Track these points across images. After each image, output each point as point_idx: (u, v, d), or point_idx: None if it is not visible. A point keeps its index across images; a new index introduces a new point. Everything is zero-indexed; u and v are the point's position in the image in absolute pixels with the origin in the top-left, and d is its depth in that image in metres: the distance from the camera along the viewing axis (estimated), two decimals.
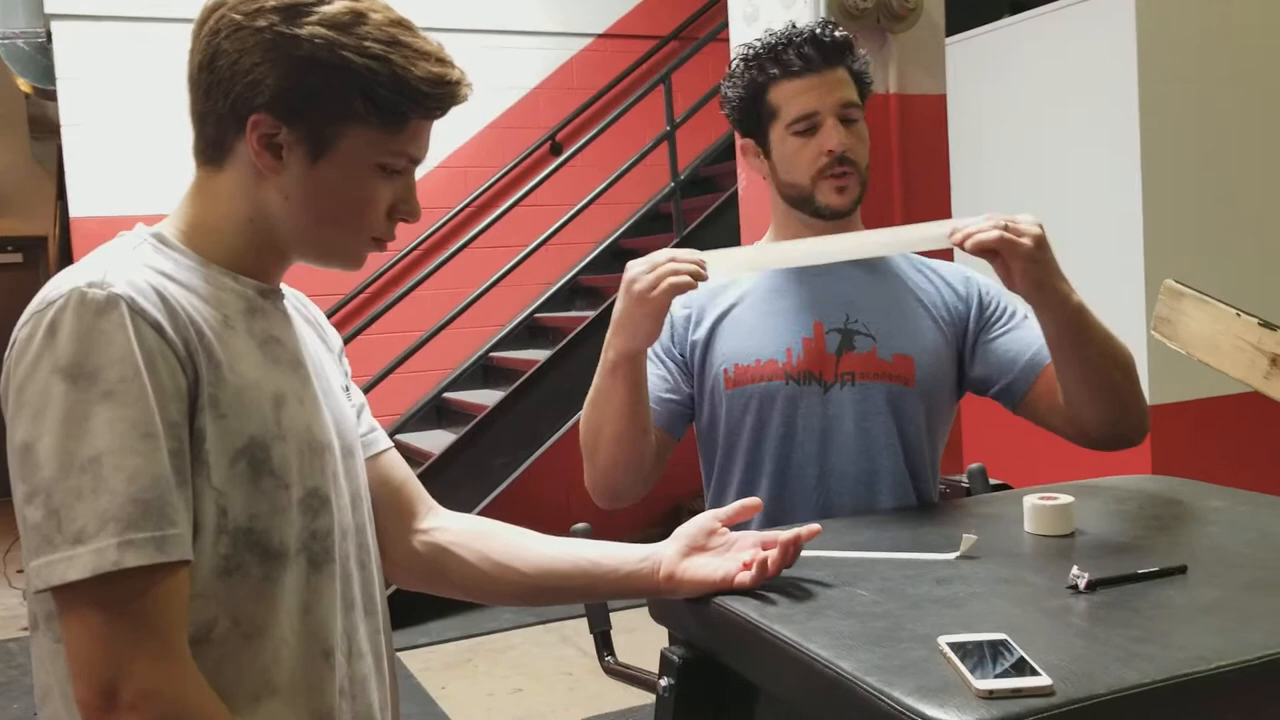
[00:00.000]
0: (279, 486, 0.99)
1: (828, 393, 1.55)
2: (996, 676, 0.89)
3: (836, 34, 1.56)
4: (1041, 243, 1.37)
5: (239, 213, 1.04)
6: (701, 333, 1.63)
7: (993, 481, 1.95)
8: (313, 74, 0.98)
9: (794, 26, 1.57)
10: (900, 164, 2.70)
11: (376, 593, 1.14)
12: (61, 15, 4.93)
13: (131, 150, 4.85)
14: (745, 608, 1.13)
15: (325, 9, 0.98)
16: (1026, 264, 1.35)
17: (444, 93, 1.02)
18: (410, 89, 1.00)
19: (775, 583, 1.18)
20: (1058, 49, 3.86)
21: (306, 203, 1.03)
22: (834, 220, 1.57)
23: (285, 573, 1.00)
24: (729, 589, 1.18)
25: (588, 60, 5.93)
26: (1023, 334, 1.58)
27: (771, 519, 1.56)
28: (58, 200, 6.72)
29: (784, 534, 1.19)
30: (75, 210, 4.96)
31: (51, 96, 5.10)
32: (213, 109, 1.01)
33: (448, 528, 1.25)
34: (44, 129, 6.29)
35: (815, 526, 1.22)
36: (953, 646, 0.95)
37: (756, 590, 1.17)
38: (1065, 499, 1.33)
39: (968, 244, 1.36)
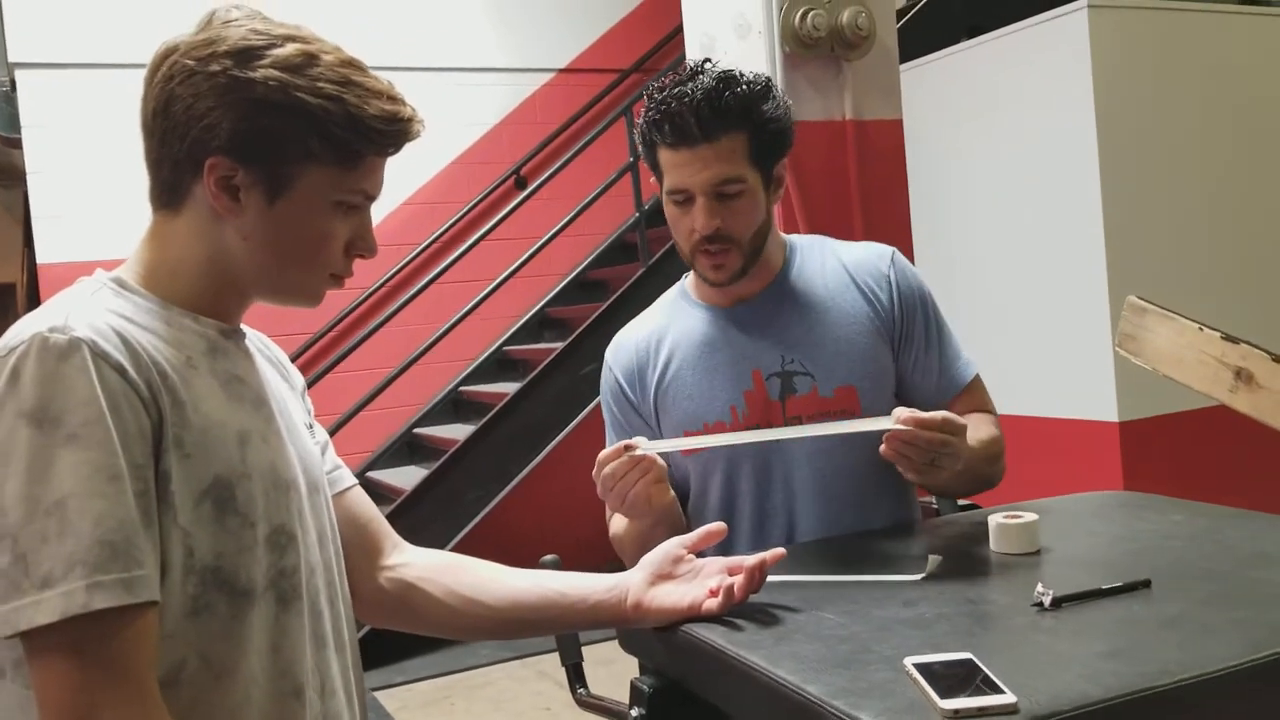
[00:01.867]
0: (245, 525, 0.99)
1: (779, 442, 1.54)
2: (961, 696, 0.90)
3: (726, 98, 1.45)
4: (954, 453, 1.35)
5: (197, 254, 1.04)
6: (650, 400, 1.63)
7: (961, 502, 1.96)
8: (268, 116, 0.99)
9: (684, 89, 1.46)
10: (859, 189, 2.73)
11: (346, 629, 1.13)
12: (26, 64, 4.91)
13: (97, 196, 4.82)
14: (713, 635, 1.13)
15: (277, 52, 1.00)
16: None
17: (397, 129, 1.04)
18: (364, 127, 1.01)
19: (742, 609, 1.18)
20: (1014, 71, 3.92)
21: (265, 242, 1.03)
22: (719, 287, 1.57)
23: (253, 611, 0.99)
24: (697, 616, 1.18)
25: (549, 95, 5.96)
26: (935, 351, 1.61)
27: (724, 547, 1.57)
28: (25, 247, 6.67)
29: (749, 559, 1.19)
30: (43, 257, 4.93)
31: (17, 144, 5.07)
32: (168, 154, 1.02)
33: (414, 563, 1.25)
34: (10, 177, 6.25)
35: (780, 551, 1.22)
36: (918, 667, 0.96)
37: (724, 617, 1.17)
38: (1029, 517, 1.34)
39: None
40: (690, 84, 1.47)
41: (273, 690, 1.01)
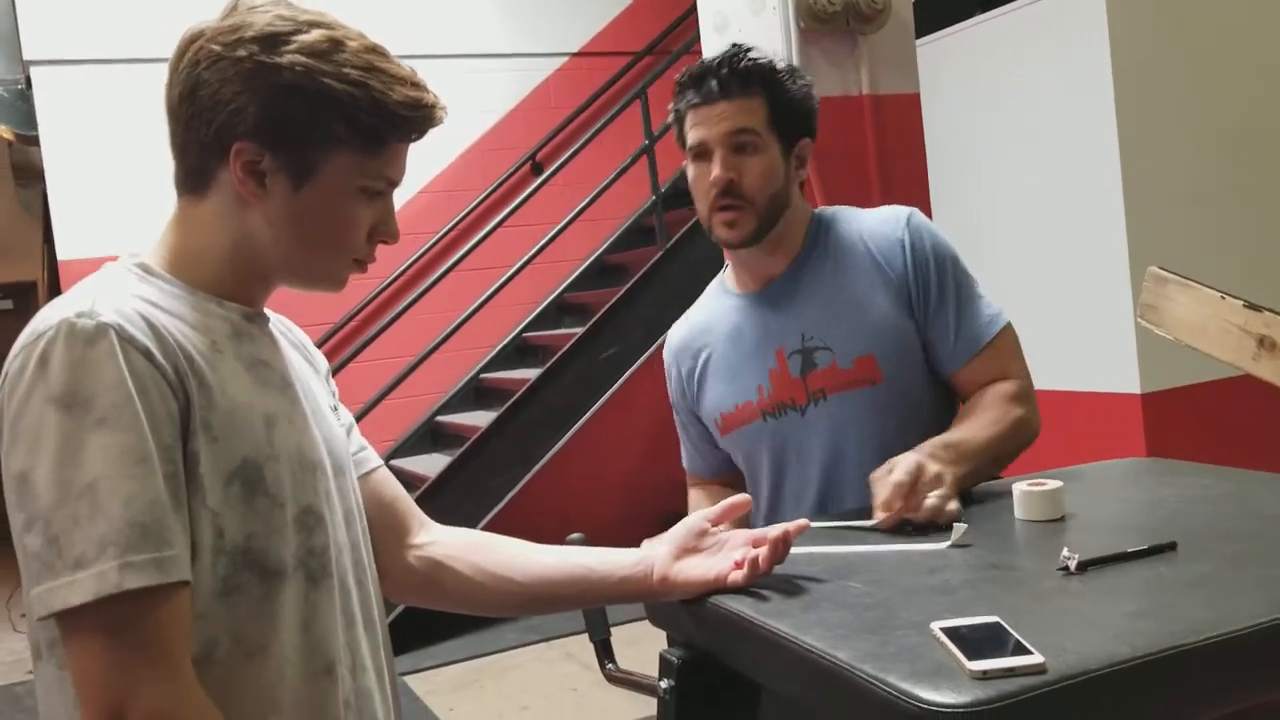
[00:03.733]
0: (273, 506, 1.00)
1: (805, 416, 1.59)
2: (989, 657, 0.90)
3: (745, 63, 1.56)
4: (946, 469, 1.37)
5: (222, 240, 1.05)
6: (692, 387, 1.71)
7: None
8: (294, 101, 1.00)
9: (708, 59, 1.59)
10: (877, 164, 2.73)
11: (374, 608, 1.15)
12: (40, 61, 4.95)
13: (116, 191, 4.85)
14: (740, 605, 1.13)
15: (303, 38, 1.00)
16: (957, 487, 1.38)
17: (421, 115, 1.05)
18: (389, 113, 1.02)
19: (768, 579, 1.19)
20: (1032, 43, 3.89)
21: (291, 228, 1.04)
22: (735, 250, 1.61)
23: (284, 590, 1.01)
24: (723, 588, 1.19)
25: (564, 79, 5.96)
26: (954, 309, 1.59)
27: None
28: (45, 245, 6.72)
29: (773, 530, 1.20)
30: (63, 253, 4.97)
31: (34, 142, 5.11)
32: (194, 138, 1.02)
33: (441, 541, 1.26)
34: (28, 175, 6.30)
35: (803, 522, 1.23)
36: (945, 631, 0.96)
37: (750, 588, 1.17)
38: (1054, 484, 1.34)
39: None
40: (719, 56, 1.57)
41: (305, 668, 1.02)
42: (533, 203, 5.42)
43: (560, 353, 5.04)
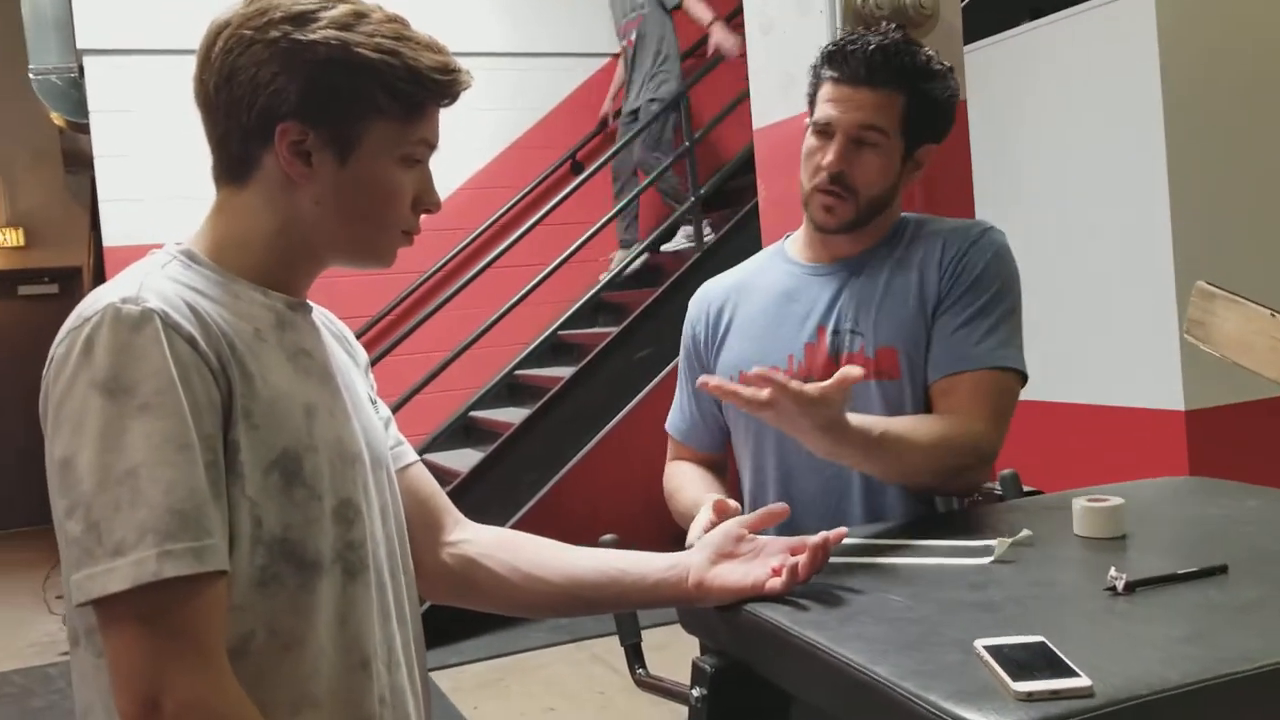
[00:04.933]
0: (312, 497, 1.00)
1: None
2: (1035, 678, 0.88)
3: (902, 56, 1.50)
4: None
5: (267, 226, 1.05)
6: (714, 342, 1.66)
7: (1025, 489, 1.92)
8: (334, 75, 1.00)
9: (865, 36, 1.53)
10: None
11: (409, 604, 1.14)
12: (93, 50, 5.01)
13: (162, 180, 4.90)
14: (777, 615, 1.12)
15: (330, 13, 1.01)
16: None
17: (452, 79, 1.06)
18: (424, 78, 1.03)
19: (806, 589, 1.17)
20: (1080, 53, 3.84)
21: (338, 204, 1.05)
22: (826, 235, 1.58)
23: (321, 583, 1.00)
24: (759, 595, 1.17)
25: (606, 79, 5.95)
26: (962, 321, 1.52)
27: (781, 526, 1.56)
28: (91, 231, 6.81)
29: (812, 539, 1.18)
30: (109, 240, 5.03)
31: (84, 130, 5.18)
32: (235, 125, 1.02)
33: (475, 540, 1.26)
34: (77, 162, 6.38)
35: (843, 530, 1.21)
36: (989, 649, 0.94)
37: (787, 597, 1.16)
38: (1116, 501, 1.31)
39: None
40: (874, 34, 1.52)
41: (341, 662, 1.02)
42: (572, 201, 5.42)
43: (595, 351, 5.04)
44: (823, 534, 1.18)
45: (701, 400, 1.70)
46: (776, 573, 1.17)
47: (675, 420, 1.75)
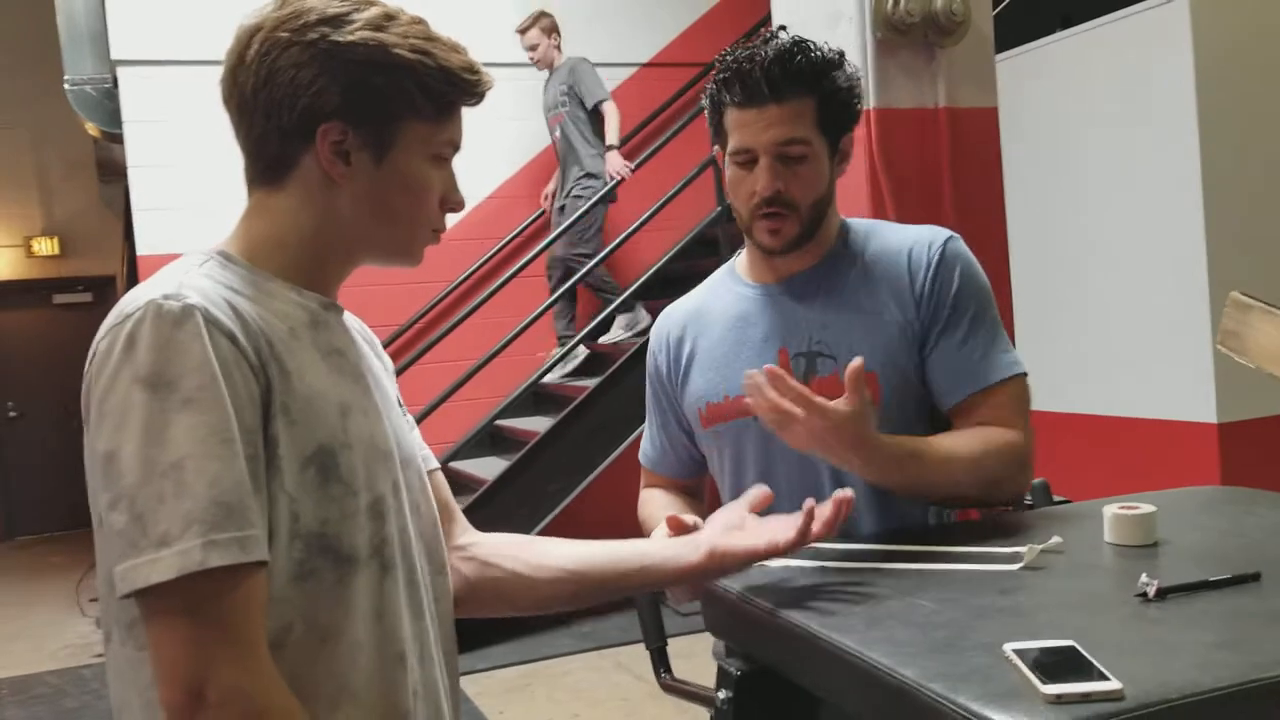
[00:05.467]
0: (348, 493, 1.01)
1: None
2: (1065, 681, 0.87)
3: (798, 61, 1.45)
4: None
5: (303, 226, 1.06)
6: (677, 374, 1.64)
7: (1056, 498, 1.91)
8: (373, 75, 1.02)
9: (756, 51, 1.47)
10: (951, 178, 2.68)
11: (441, 601, 1.15)
12: (127, 61, 5.07)
13: (195, 189, 4.95)
14: (804, 618, 1.11)
15: (363, 14, 1.03)
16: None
17: (478, 79, 1.08)
18: (455, 77, 1.06)
19: (833, 594, 1.17)
20: (1112, 61, 3.82)
21: (374, 203, 1.06)
22: (774, 256, 1.54)
23: (358, 577, 1.01)
24: (777, 552, 1.19)
25: (632, 89, 5.96)
26: (961, 341, 1.49)
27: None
28: (125, 240, 6.90)
29: (825, 506, 1.20)
30: (142, 249, 5.08)
31: (118, 140, 5.24)
32: (274, 127, 1.04)
33: (483, 543, 1.28)
34: (111, 172, 6.47)
35: (848, 492, 1.21)
36: (1019, 653, 0.93)
37: (814, 602, 1.15)
38: (1147, 508, 1.30)
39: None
40: (763, 47, 1.47)
41: (378, 656, 1.02)
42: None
43: (619, 361, 5.04)
44: (838, 493, 1.20)
45: (670, 428, 1.69)
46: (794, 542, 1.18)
47: (646, 449, 1.75)
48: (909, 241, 1.55)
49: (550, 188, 5.61)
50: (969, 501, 1.50)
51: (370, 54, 1.02)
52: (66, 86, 5.22)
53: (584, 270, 5.23)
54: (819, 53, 1.48)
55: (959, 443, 1.44)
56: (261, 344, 0.98)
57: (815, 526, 1.18)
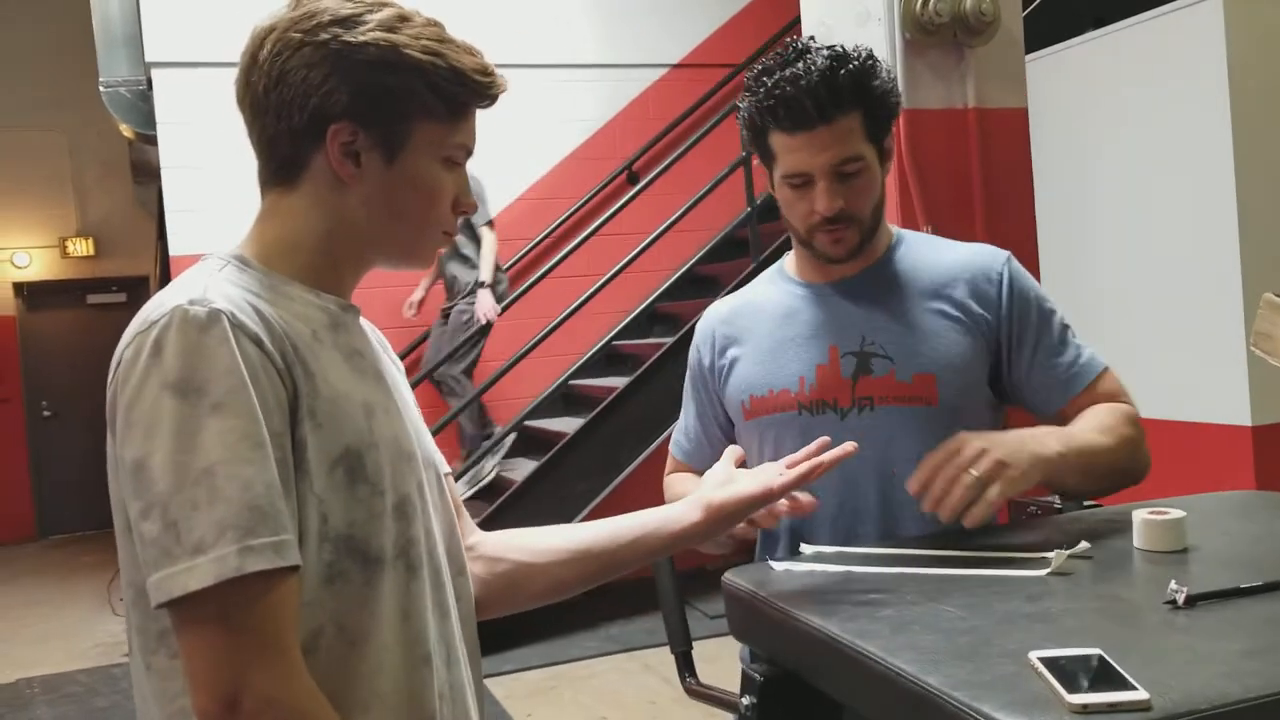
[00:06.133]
0: (374, 494, 1.01)
1: (844, 420, 1.51)
2: (1091, 691, 0.86)
3: (841, 78, 1.43)
4: (993, 455, 1.29)
5: (316, 227, 1.07)
6: (719, 369, 1.64)
7: (1086, 502, 1.89)
8: (385, 76, 1.02)
9: (797, 73, 1.43)
10: (981, 177, 2.66)
11: (465, 602, 1.15)
12: (161, 63, 5.13)
13: (228, 190, 4.98)
14: (827, 624, 1.11)
15: (376, 16, 1.04)
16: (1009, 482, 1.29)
17: (491, 81, 1.08)
18: (467, 79, 1.06)
19: (857, 600, 1.16)
20: (1145, 61, 3.78)
21: (385, 204, 1.06)
22: (838, 264, 1.56)
23: (384, 578, 1.01)
24: (771, 496, 1.22)
25: (663, 90, 5.97)
26: (1048, 352, 1.53)
27: (794, 549, 1.53)
28: (158, 241, 6.97)
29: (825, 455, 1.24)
30: (175, 250, 5.14)
31: (152, 141, 5.30)
32: (286, 128, 1.04)
33: (487, 540, 1.28)
34: (145, 173, 6.54)
35: (851, 445, 1.25)
36: (1044, 661, 0.92)
37: (837, 606, 1.15)
38: (1177, 514, 1.28)
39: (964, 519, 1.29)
40: (800, 64, 1.44)
41: (404, 658, 1.03)
42: (627, 212, 5.43)
43: (649, 362, 5.04)
44: (843, 446, 1.24)
45: (707, 421, 1.69)
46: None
47: (679, 440, 1.74)
48: (966, 258, 1.58)
49: (416, 295, 5.28)
50: (1117, 474, 1.49)
51: (381, 55, 1.02)
52: (101, 88, 5.28)
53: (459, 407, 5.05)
54: (856, 63, 1.46)
55: (1087, 431, 1.45)
56: (286, 347, 0.98)
57: (805, 468, 1.21)
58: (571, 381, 5.59)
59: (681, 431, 1.74)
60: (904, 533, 1.48)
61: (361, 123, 1.03)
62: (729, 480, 1.26)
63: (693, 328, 5.39)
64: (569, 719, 4.04)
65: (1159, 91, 3.72)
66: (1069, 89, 4.01)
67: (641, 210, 5.45)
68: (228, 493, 0.89)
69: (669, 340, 5.09)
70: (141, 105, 5.27)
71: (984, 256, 1.57)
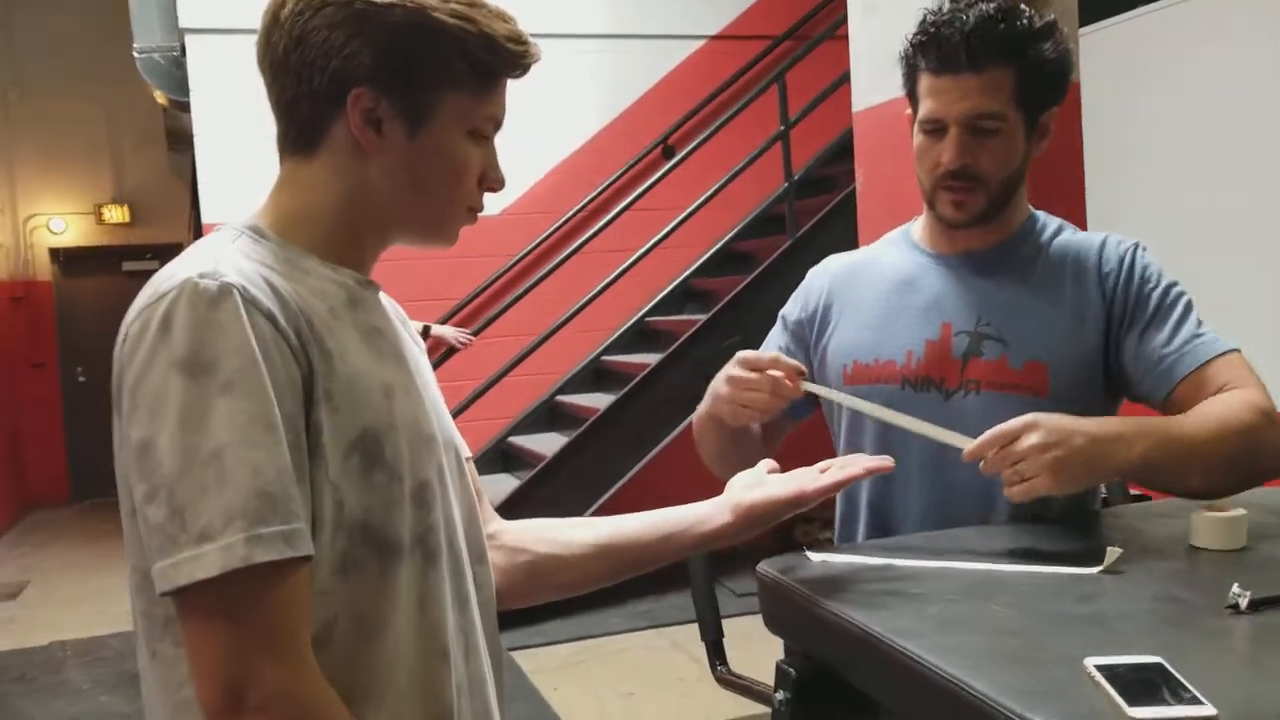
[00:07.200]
0: (392, 479, 0.96)
1: (948, 401, 1.45)
2: (1152, 703, 0.81)
3: (1001, 29, 1.38)
4: (1047, 455, 1.20)
5: (336, 198, 1.02)
6: (832, 316, 1.58)
7: (1132, 494, 1.83)
8: (410, 41, 0.97)
9: (958, 15, 1.39)
10: None
11: (486, 591, 1.11)
12: (195, 30, 5.10)
13: (260, 158, 4.92)
14: (868, 620, 1.05)
15: None
16: (1057, 484, 1.20)
17: (524, 50, 1.02)
18: (499, 47, 1.00)
19: (900, 595, 1.11)
20: (1202, 35, 3.66)
21: (408, 176, 1.01)
22: (956, 229, 1.49)
23: (401, 568, 0.97)
24: (804, 499, 1.16)
25: (700, 62, 5.88)
26: (1159, 334, 1.42)
27: (878, 527, 1.48)
28: (191, 209, 6.99)
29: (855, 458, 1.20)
30: (207, 217, 5.13)
31: (186, 108, 5.28)
32: (306, 91, 0.99)
33: (509, 529, 1.24)
34: (181, 141, 6.55)
35: (888, 461, 1.20)
36: (1101, 669, 0.87)
37: (878, 601, 1.10)
38: (1237, 511, 1.22)
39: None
40: (968, 10, 1.40)
41: (420, 650, 0.99)
42: (662, 186, 5.35)
43: (682, 339, 4.98)
44: (878, 459, 1.19)
45: (795, 351, 1.62)
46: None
47: None
48: (1098, 241, 1.50)
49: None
50: (1233, 470, 1.33)
51: (408, 17, 0.96)
52: (135, 54, 5.27)
53: None
54: (1025, 21, 1.40)
55: (1185, 421, 1.32)
56: (302, 325, 0.93)
57: (841, 476, 1.16)
58: (603, 358, 5.55)
59: None
60: (998, 523, 1.42)
61: (384, 90, 0.98)
62: (759, 483, 1.21)
63: (725, 306, 5.33)
64: (596, 694, 4.03)
65: (1221, 66, 3.60)
66: (1122, 64, 3.89)
67: (676, 185, 5.37)
68: (237, 477, 0.85)
69: (702, 317, 5.03)
70: (175, 71, 5.26)
71: (1112, 245, 1.50)
